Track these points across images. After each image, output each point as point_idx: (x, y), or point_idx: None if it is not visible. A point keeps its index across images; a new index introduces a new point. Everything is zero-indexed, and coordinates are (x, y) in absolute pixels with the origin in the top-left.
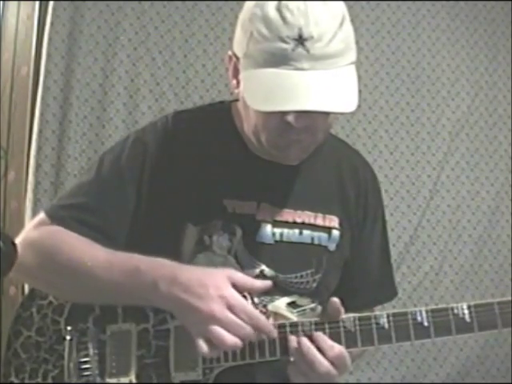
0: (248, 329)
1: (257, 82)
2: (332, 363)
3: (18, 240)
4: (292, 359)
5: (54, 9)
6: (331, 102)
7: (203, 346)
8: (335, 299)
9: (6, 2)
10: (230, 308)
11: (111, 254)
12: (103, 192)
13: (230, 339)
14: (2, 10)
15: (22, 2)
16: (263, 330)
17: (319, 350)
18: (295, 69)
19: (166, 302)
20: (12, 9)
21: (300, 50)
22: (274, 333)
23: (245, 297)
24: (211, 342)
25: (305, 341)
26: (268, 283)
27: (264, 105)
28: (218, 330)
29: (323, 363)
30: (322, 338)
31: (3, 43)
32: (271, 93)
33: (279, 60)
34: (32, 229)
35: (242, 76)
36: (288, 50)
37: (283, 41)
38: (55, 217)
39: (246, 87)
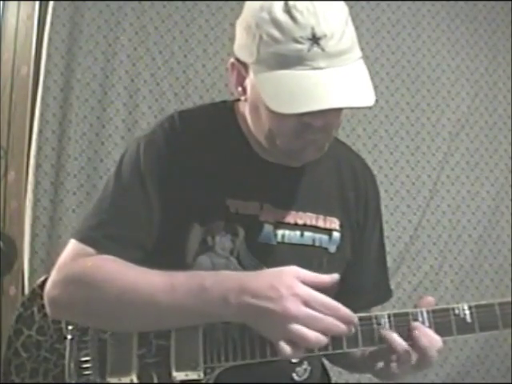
0: (329, 320)
1: (275, 85)
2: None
3: (56, 276)
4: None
5: (54, 9)
6: (352, 97)
7: (286, 347)
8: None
9: (6, 2)
10: (306, 303)
11: (170, 276)
12: (128, 202)
13: (313, 335)
14: (2, 10)
15: (22, 2)
16: (346, 319)
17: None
18: (312, 68)
19: (238, 314)
20: (12, 9)
21: (315, 49)
22: (356, 320)
23: None
24: (292, 342)
25: (417, 334)
26: (336, 277)
27: (288, 107)
28: (298, 328)
29: (433, 350)
30: (423, 328)
31: (3, 43)
32: (292, 95)
33: (294, 61)
34: (70, 262)
35: (254, 82)
36: (304, 50)
37: (297, 41)
38: (88, 240)
39: (265, 91)
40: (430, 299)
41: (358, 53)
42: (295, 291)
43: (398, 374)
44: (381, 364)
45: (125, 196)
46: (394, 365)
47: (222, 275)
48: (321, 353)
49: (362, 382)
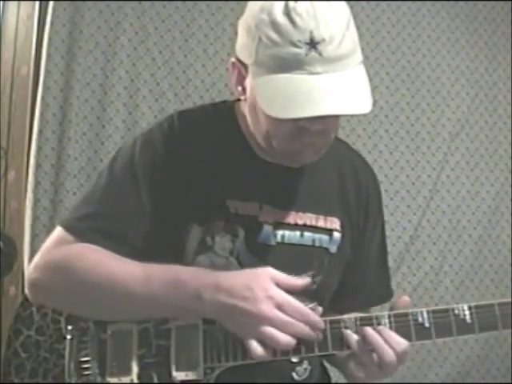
0: (299, 325)
1: (271, 88)
2: (398, 356)
3: (39, 260)
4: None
5: (54, 9)
6: (348, 104)
7: (257, 348)
8: (406, 297)
9: (6, 2)
10: (279, 307)
11: (147, 267)
12: (118, 196)
13: (283, 338)
14: (2, 10)
15: (21, 2)
16: (314, 325)
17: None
18: (309, 73)
19: (211, 311)
20: (12, 9)
21: (313, 53)
22: (323, 327)
23: None
24: (263, 343)
25: (370, 331)
26: (309, 281)
27: (282, 112)
28: (270, 330)
29: (391, 353)
30: (387, 330)
31: (3, 43)
32: (288, 99)
33: (292, 65)
34: (53, 248)
35: (252, 83)
36: (301, 54)
37: (295, 45)
38: (73, 230)
39: (261, 94)
40: (406, 299)
41: (358, 57)
42: (270, 293)
43: (362, 377)
44: (351, 365)
45: (115, 191)
46: (357, 367)
47: (199, 271)
48: (320, 353)
49: None
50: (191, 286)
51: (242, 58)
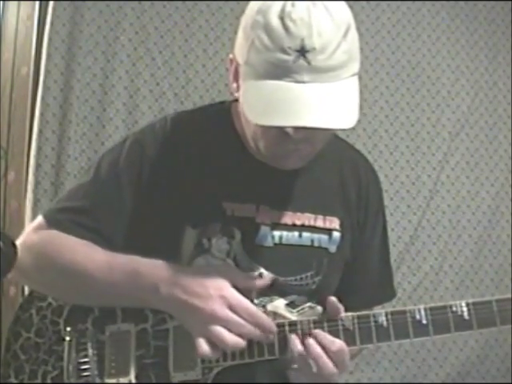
0: (249, 327)
1: (256, 94)
2: (333, 359)
3: (17, 242)
4: (290, 359)
5: (54, 9)
6: (331, 117)
7: (204, 346)
8: (333, 298)
9: (6, 2)
10: (231, 307)
11: (111, 257)
12: (100, 195)
13: (232, 338)
14: (2, 10)
15: (22, 2)
16: (265, 328)
17: (321, 346)
18: (296, 81)
19: (166, 304)
20: (12, 9)
21: (301, 61)
22: (274, 330)
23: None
24: (213, 342)
25: (311, 342)
26: (267, 281)
27: (262, 119)
28: (219, 329)
29: (327, 363)
30: (323, 335)
31: (3, 43)
32: (270, 106)
33: (280, 72)
34: (32, 232)
35: (242, 85)
36: (289, 61)
37: (285, 52)
38: (52, 220)
39: (246, 99)
40: (333, 299)
41: (352, 69)
42: (223, 293)
43: (303, 379)
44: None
45: (97, 189)
46: (295, 371)
47: (158, 264)
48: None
49: (362, 381)
50: (149, 278)
51: (237, 57)
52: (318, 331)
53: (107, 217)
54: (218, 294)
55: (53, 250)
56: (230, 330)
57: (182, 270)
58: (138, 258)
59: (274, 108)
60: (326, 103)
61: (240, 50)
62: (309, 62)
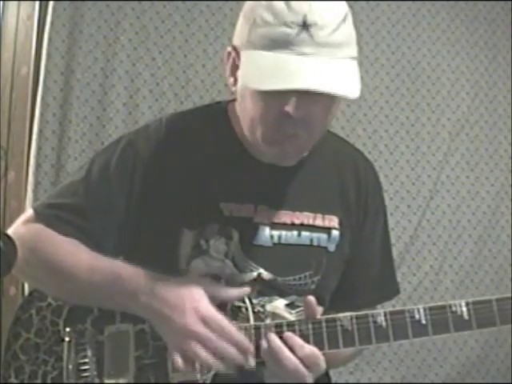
0: (221, 344)
1: (256, 63)
2: (302, 361)
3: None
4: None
5: (54, 9)
6: (333, 84)
7: (178, 360)
8: (311, 298)
9: (6, 2)
10: (204, 322)
11: (94, 258)
12: (89, 195)
13: (203, 354)
14: (2, 10)
15: (21, 2)
16: (238, 345)
17: (290, 348)
18: (297, 53)
19: (144, 313)
20: (12, 9)
21: (304, 35)
22: (251, 349)
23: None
24: (187, 356)
25: (273, 337)
26: (246, 290)
27: (265, 83)
28: (192, 344)
29: (291, 359)
30: (292, 337)
31: (3, 43)
32: (270, 73)
33: (281, 44)
34: (21, 224)
35: (242, 57)
36: (292, 34)
37: (287, 25)
38: (41, 214)
39: (246, 69)
40: (311, 299)
41: (352, 52)
42: (197, 307)
43: (273, 380)
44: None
45: (87, 188)
46: (268, 372)
47: (139, 272)
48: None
49: (362, 381)
50: (129, 285)
51: (236, 43)
52: (288, 334)
53: (95, 217)
54: (192, 306)
55: (39, 244)
56: (203, 346)
57: (162, 281)
58: (120, 263)
59: (277, 73)
60: (328, 72)
61: (240, 34)
62: (311, 36)
